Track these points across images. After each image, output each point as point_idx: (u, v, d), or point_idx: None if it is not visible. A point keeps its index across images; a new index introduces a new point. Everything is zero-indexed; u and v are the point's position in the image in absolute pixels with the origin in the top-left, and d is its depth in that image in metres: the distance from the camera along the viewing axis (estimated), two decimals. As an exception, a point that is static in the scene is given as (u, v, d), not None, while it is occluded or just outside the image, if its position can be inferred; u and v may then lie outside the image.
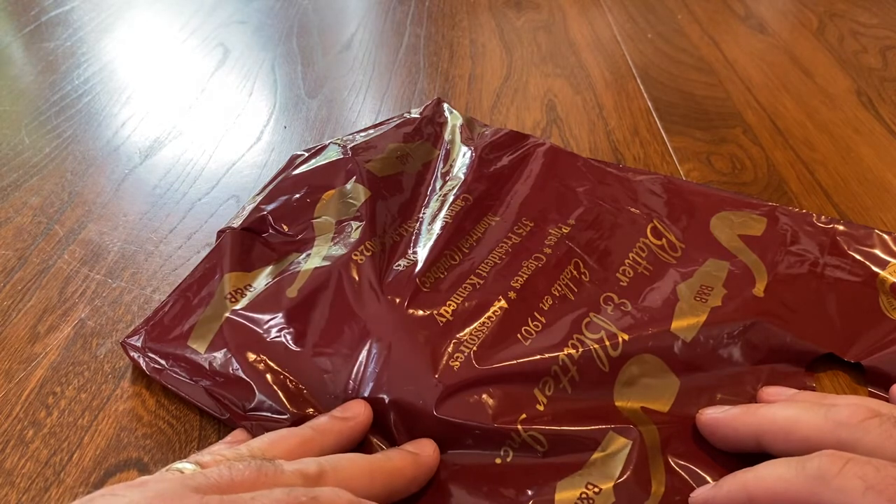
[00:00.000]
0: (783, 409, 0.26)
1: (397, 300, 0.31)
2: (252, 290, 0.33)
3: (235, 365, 0.29)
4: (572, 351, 0.29)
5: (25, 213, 0.42)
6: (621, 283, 0.33)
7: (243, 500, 0.20)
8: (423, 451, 0.26)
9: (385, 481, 0.24)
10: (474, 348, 0.29)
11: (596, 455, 0.27)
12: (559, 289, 0.33)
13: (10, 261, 0.38)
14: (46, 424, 0.29)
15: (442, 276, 0.33)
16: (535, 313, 0.31)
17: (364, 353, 0.29)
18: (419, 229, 0.36)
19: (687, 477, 0.26)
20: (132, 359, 0.31)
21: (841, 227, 0.37)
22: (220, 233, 0.36)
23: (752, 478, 0.23)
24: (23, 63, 0.61)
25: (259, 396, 0.28)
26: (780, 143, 0.48)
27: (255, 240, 0.35)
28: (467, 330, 0.30)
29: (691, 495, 0.25)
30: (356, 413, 0.27)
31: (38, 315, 0.35)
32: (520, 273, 0.33)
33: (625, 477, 0.26)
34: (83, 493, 0.27)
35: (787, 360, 0.31)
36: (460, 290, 0.32)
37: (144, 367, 0.30)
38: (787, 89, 0.55)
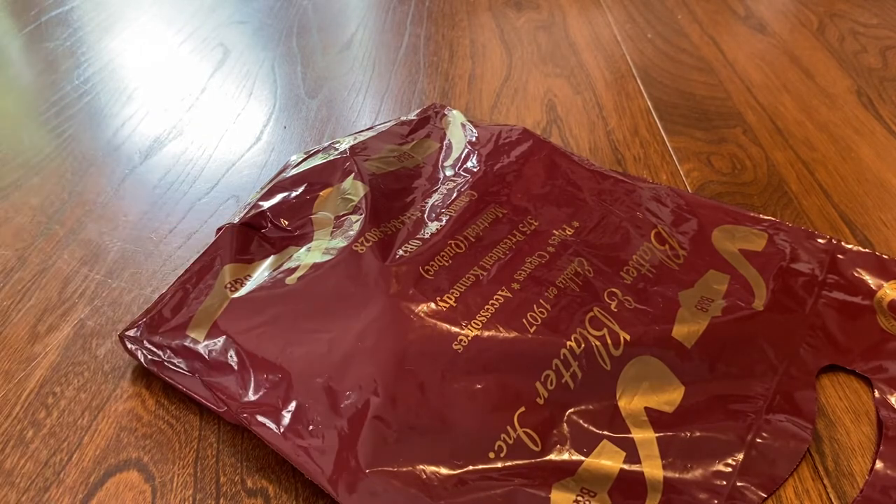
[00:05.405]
0: None
1: (400, 286, 0.31)
2: (252, 279, 0.33)
3: (233, 353, 0.29)
4: (574, 346, 0.29)
5: (25, 213, 0.42)
6: (625, 281, 0.33)
7: None
8: None
9: None
10: (476, 333, 0.29)
11: (590, 460, 0.26)
12: (563, 282, 0.33)
13: (10, 261, 0.38)
14: (46, 424, 0.29)
15: (446, 263, 0.33)
16: (541, 300, 0.31)
17: (365, 337, 0.29)
18: (422, 219, 0.36)
19: (682, 487, 0.26)
20: (130, 352, 0.31)
21: (841, 246, 0.37)
22: (219, 230, 0.36)
23: None
24: (23, 63, 0.61)
25: (254, 386, 0.28)
26: (780, 143, 0.48)
27: (253, 235, 0.36)
28: (470, 316, 0.30)
29: None
30: None
31: (37, 315, 0.35)
32: (523, 268, 0.33)
33: (619, 485, 0.26)
34: (83, 494, 0.27)
35: (792, 367, 0.31)
36: (464, 279, 0.32)
37: (142, 360, 0.30)
38: (787, 89, 0.55)
